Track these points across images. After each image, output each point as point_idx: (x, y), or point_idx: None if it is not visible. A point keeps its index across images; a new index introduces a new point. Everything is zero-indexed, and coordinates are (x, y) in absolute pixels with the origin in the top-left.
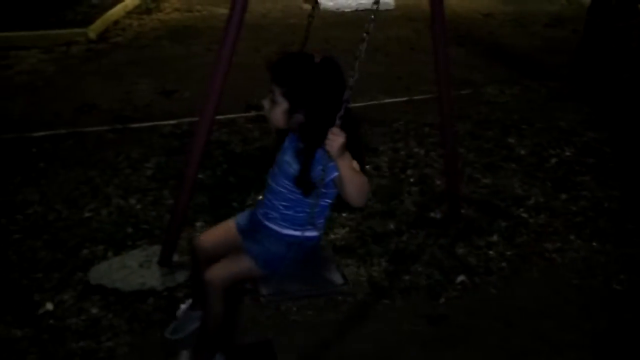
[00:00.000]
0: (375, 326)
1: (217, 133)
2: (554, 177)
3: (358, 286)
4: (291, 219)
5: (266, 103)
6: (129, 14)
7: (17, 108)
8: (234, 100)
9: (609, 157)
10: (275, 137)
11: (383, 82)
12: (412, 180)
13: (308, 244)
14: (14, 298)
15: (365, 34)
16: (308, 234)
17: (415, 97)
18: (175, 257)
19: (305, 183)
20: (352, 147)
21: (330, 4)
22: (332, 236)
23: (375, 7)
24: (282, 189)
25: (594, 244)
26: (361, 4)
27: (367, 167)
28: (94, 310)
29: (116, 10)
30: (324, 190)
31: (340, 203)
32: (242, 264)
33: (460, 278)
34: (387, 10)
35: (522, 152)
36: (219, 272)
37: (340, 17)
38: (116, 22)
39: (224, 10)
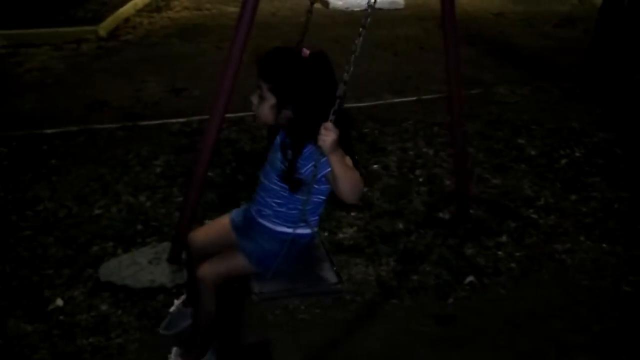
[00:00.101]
0: (384, 326)
1: (227, 131)
2: (564, 178)
3: (366, 285)
4: (284, 216)
5: (254, 99)
6: (139, 11)
7: (28, 105)
8: (243, 98)
9: (619, 158)
10: (267, 134)
11: (392, 81)
12: (420, 180)
13: (301, 242)
14: (24, 294)
15: (361, 29)
16: (301, 231)
17: (425, 97)
18: (185, 255)
19: (292, 179)
20: (344, 143)
21: (340, 3)
22: (340, 235)
23: (372, 1)
24: (274, 186)
25: (604, 245)
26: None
27: (376, 166)
28: (104, 307)
29: (126, 8)
30: (316, 187)
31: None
32: (235, 261)
33: (469, 278)
34: (396, 9)
35: (532, 152)
36: (211, 268)
37: (349, 17)
38: (126, 20)
39: (233, 9)
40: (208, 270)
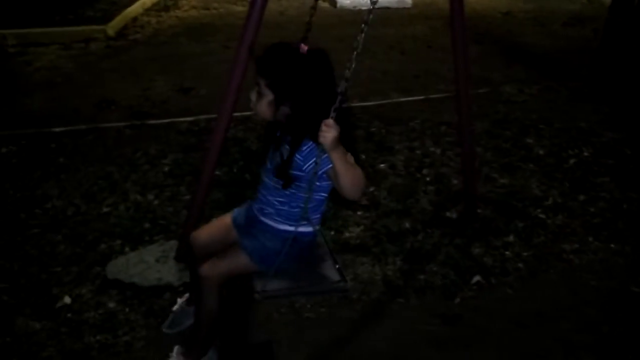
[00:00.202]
0: (390, 325)
1: (234, 130)
2: (572, 178)
3: (372, 285)
4: (286, 214)
5: (253, 95)
6: (147, 11)
7: (37, 104)
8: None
9: (628, 158)
10: (264, 132)
11: (399, 80)
12: (428, 179)
13: (304, 240)
14: (32, 291)
15: (363, 25)
16: (303, 229)
17: (432, 96)
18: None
19: (285, 175)
20: (346, 140)
21: (347, 1)
22: (347, 234)
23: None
24: (275, 185)
25: (612, 245)
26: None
27: (383, 165)
28: (111, 305)
29: (135, 8)
30: (317, 184)
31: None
32: (237, 260)
33: (476, 278)
34: (404, 7)
35: (541, 152)
36: (214, 267)
37: (356, 15)
38: (135, 19)
39: (240, 8)
40: (210, 268)
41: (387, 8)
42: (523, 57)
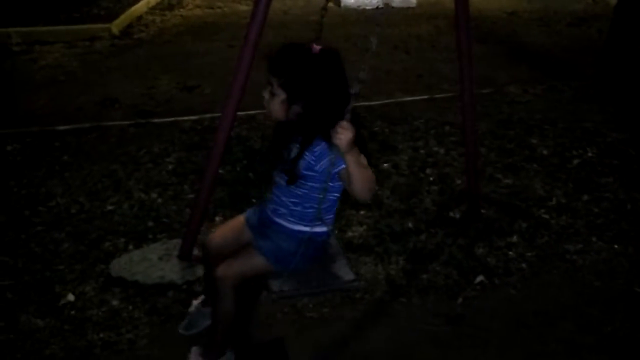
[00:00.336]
0: (392, 324)
1: (237, 129)
2: (576, 178)
3: (375, 284)
4: (300, 215)
5: (265, 94)
6: (151, 9)
7: (41, 102)
8: (253, 96)
9: (633, 158)
10: (275, 133)
11: (403, 80)
12: (431, 179)
13: (318, 240)
14: (36, 289)
15: (376, 26)
16: (317, 229)
17: (436, 96)
18: (195, 251)
19: (291, 171)
20: (358, 142)
21: (352, 1)
22: (350, 234)
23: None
24: (289, 186)
25: (616, 246)
26: (382, 0)
27: (386, 165)
28: (115, 302)
29: (139, 7)
30: (330, 184)
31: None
32: (253, 261)
33: (479, 278)
34: (408, 7)
35: (544, 152)
36: (230, 269)
37: (361, 15)
38: (139, 18)
39: (245, 7)
40: (226, 271)
41: (392, 7)
42: (527, 57)
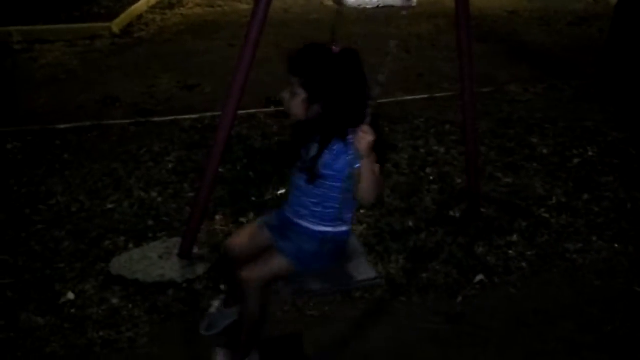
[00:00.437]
0: (392, 323)
1: (238, 128)
2: (576, 177)
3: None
4: (320, 215)
5: (286, 94)
6: (152, 8)
7: (42, 100)
8: (254, 95)
9: (633, 158)
10: (293, 132)
11: (403, 79)
12: (431, 178)
13: (340, 239)
14: (36, 287)
15: (392, 30)
16: (339, 229)
17: (436, 95)
18: (195, 250)
19: (311, 169)
20: (377, 147)
21: (352, 0)
22: None
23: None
24: (309, 186)
25: (616, 245)
26: (383, 0)
27: (386, 164)
28: (115, 301)
29: (139, 5)
30: (350, 184)
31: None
32: (275, 263)
33: (479, 277)
34: (409, 6)
35: (545, 151)
36: (255, 271)
37: (361, 14)
38: (140, 17)
39: (245, 6)
40: (251, 274)
41: (392, 6)
42: (528, 56)
